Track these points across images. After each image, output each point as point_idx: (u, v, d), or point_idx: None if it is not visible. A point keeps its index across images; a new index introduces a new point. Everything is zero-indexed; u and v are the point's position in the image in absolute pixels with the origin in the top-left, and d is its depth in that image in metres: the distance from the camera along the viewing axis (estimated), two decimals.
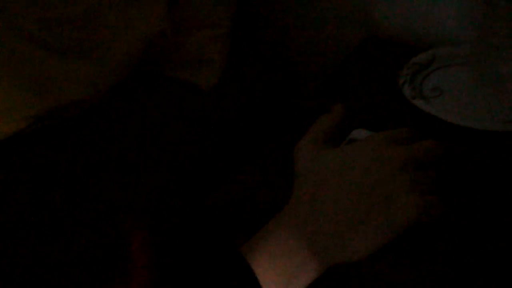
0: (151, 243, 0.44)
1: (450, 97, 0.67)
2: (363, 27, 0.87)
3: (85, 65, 0.76)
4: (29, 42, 0.71)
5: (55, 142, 0.70)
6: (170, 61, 0.86)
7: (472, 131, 0.60)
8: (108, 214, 0.49)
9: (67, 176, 0.59)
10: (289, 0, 0.93)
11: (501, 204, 0.51)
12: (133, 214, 0.47)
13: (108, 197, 0.58)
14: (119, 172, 0.66)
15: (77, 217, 0.46)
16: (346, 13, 0.89)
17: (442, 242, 0.48)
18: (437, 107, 0.64)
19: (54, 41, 0.73)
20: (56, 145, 0.70)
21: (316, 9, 0.90)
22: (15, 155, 0.64)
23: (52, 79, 0.74)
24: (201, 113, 0.80)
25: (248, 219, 0.53)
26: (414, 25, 0.82)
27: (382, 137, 0.50)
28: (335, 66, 0.79)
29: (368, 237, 0.47)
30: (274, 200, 0.51)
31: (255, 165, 0.59)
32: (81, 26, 0.75)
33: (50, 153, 0.68)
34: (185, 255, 0.48)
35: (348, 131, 0.54)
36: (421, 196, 0.47)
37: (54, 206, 0.47)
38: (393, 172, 0.47)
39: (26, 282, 0.41)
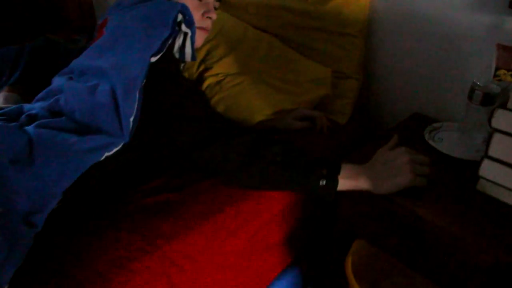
0: None
1: (446, 143, 1.18)
2: (413, 107, 1.38)
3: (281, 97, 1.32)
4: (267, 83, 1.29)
5: None
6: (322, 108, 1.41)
7: (452, 158, 1.10)
8: None
9: None
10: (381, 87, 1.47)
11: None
12: None
13: None
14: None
15: None
16: (407, 101, 1.41)
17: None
18: (439, 145, 1.16)
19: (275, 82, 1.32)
20: None
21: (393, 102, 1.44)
22: None
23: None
24: (337, 135, 1.34)
25: None
26: (433, 109, 1.34)
27: (406, 149, 0.96)
28: (399, 123, 1.30)
29: (392, 184, 0.92)
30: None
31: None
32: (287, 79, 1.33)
33: None
34: None
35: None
36: (415, 174, 0.91)
37: None
38: (406, 161, 0.92)
39: None
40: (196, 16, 1.09)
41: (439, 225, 0.92)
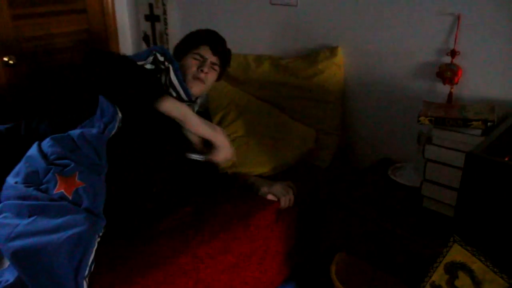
0: None
1: (404, 177, 1.58)
2: (381, 152, 1.81)
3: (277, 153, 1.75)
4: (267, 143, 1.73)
5: None
6: (309, 158, 1.84)
7: (408, 187, 1.50)
8: None
9: None
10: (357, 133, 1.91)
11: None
12: None
13: None
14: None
15: None
16: (376, 149, 1.84)
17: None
18: (398, 179, 1.56)
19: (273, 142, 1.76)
20: None
21: (362, 149, 1.88)
22: None
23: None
24: (319, 176, 1.77)
25: None
26: (396, 153, 1.75)
27: (288, 183, 1.55)
28: (371, 165, 1.73)
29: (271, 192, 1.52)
30: None
31: None
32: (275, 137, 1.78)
33: None
34: None
35: None
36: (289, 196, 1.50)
37: None
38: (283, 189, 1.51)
39: None
40: (193, 69, 1.58)
41: (398, 232, 1.31)
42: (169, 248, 1.30)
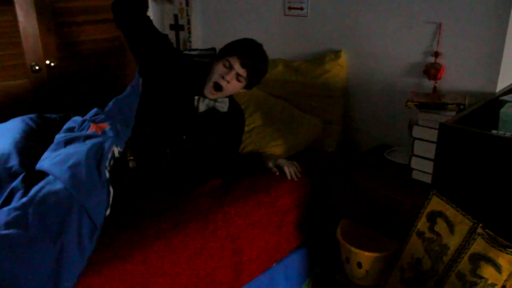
0: None
1: (398, 157, 1.94)
2: (378, 139, 2.17)
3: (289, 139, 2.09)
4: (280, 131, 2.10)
5: None
6: (317, 144, 2.20)
7: (401, 164, 1.86)
8: None
9: None
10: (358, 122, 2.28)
11: None
12: None
13: None
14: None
15: None
16: (374, 136, 2.21)
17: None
18: (392, 158, 1.93)
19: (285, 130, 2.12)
20: None
21: (364, 136, 2.25)
22: None
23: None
24: (327, 158, 2.13)
25: None
26: (392, 139, 2.12)
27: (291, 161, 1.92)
28: (369, 149, 2.10)
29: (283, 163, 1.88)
30: None
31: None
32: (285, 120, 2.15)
33: None
34: None
35: None
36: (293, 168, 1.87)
37: None
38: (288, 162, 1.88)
39: None
40: (218, 74, 1.77)
41: (395, 198, 1.65)
42: (206, 206, 1.66)
